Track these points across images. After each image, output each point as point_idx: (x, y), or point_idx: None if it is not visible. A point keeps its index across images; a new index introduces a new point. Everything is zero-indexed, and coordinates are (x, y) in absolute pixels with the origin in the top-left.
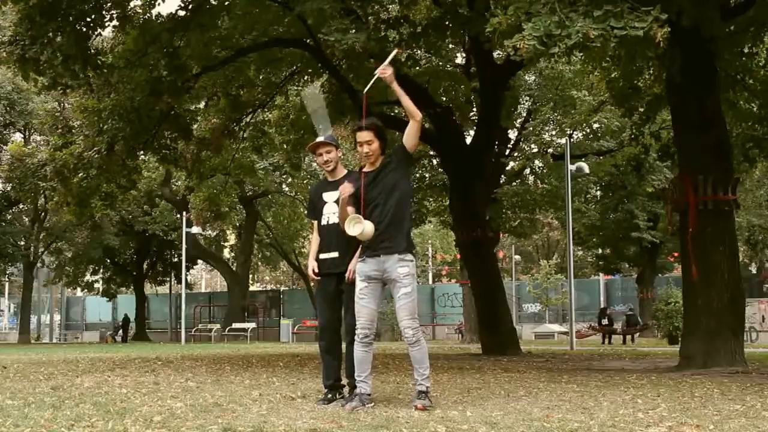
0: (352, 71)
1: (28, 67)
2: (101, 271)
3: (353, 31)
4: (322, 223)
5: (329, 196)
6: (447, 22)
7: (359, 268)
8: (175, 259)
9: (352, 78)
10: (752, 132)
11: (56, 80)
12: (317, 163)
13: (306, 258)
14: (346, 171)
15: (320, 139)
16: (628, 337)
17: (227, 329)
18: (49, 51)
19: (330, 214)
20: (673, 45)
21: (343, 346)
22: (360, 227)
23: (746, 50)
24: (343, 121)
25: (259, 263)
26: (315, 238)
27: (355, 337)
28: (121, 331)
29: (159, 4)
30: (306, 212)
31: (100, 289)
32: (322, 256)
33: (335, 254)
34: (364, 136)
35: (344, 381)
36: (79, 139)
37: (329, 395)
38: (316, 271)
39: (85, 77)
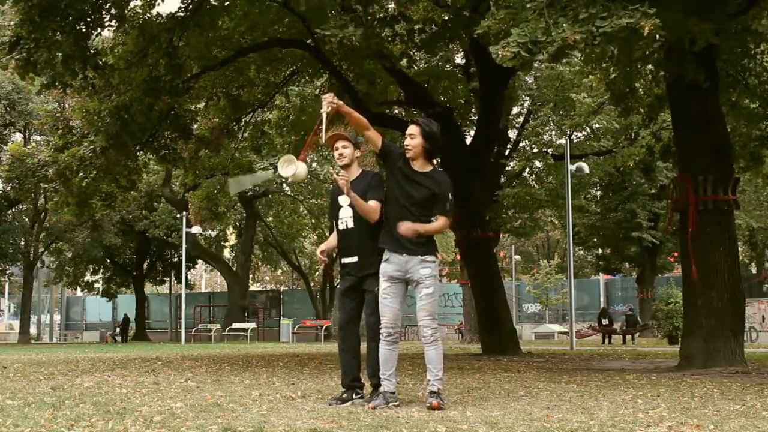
0: (353, 71)
1: (28, 68)
2: (101, 271)
3: (351, 27)
4: (339, 228)
5: (344, 200)
6: (449, 24)
7: (382, 268)
8: (175, 259)
9: (352, 78)
10: (756, 131)
11: (56, 79)
12: (335, 158)
13: (306, 257)
14: (360, 171)
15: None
16: (628, 337)
17: (227, 329)
18: (46, 50)
19: (347, 218)
20: (682, 50)
21: (363, 346)
22: (293, 168)
23: (746, 50)
24: (343, 121)
25: (259, 263)
26: (332, 237)
27: (380, 336)
28: (120, 331)
29: (158, 4)
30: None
31: (100, 289)
32: (344, 260)
33: (355, 259)
34: (410, 129)
35: (365, 381)
36: (80, 140)
37: (344, 395)
38: (324, 251)
39: (85, 77)
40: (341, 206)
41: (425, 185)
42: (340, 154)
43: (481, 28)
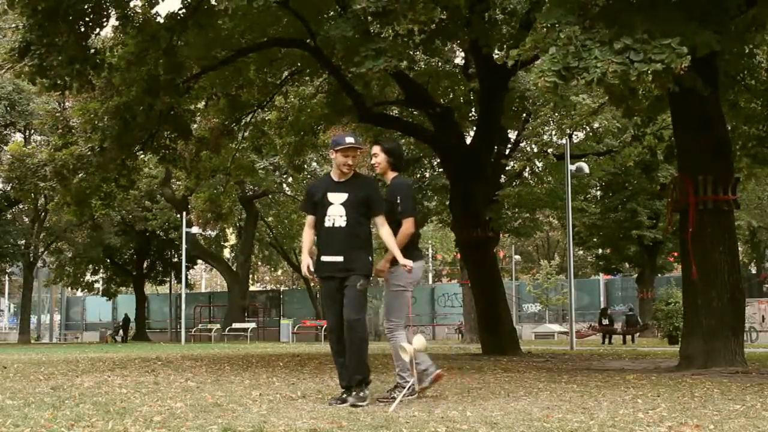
0: (352, 72)
1: (41, 74)
2: (101, 271)
3: (382, 57)
4: (326, 225)
5: (335, 197)
6: (446, 23)
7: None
8: (175, 259)
9: (350, 78)
10: (755, 130)
11: (57, 81)
12: (338, 163)
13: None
14: (352, 173)
15: (351, 140)
16: (628, 337)
17: (227, 329)
18: (57, 54)
19: (336, 216)
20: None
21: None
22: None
23: (747, 50)
24: (342, 121)
25: (259, 263)
26: (308, 233)
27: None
28: (121, 331)
29: (158, 4)
30: (301, 205)
31: (100, 289)
32: (326, 258)
33: (340, 258)
34: (373, 149)
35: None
36: (80, 140)
37: (344, 395)
38: (311, 268)
39: (87, 78)
40: (331, 203)
41: (385, 198)
42: (350, 165)
43: (511, 58)
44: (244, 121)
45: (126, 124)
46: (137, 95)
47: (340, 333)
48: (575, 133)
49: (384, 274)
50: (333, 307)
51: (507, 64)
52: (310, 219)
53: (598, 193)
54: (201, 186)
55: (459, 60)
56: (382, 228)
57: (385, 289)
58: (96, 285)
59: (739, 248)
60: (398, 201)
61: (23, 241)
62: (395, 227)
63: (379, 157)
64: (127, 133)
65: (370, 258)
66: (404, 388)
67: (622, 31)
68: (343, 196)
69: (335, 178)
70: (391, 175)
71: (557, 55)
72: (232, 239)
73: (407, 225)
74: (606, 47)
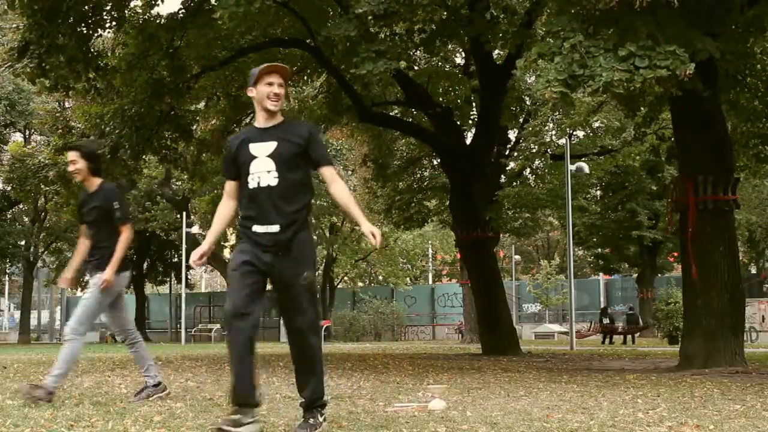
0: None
1: (41, 74)
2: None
3: (382, 59)
4: (250, 186)
5: (259, 149)
6: (447, 23)
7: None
8: (175, 259)
9: (349, 79)
10: (757, 129)
11: (59, 82)
12: (260, 97)
13: None
14: (282, 119)
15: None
16: (629, 337)
17: None
18: (57, 55)
19: (263, 173)
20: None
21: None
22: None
23: (747, 50)
24: (342, 121)
25: None
26: (223, 207)
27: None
28: None
29: (158, 5)
30: (222, 167)
31: None
32: (258, 228)
33: (275, 228)
34: (69, 155)
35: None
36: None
37: (238, 415)
38: (199, 255)
39: (88, 79)
40: (255, 157)
41: (95, 204)
42: (276, 94)
43: (519, 70)
44: (244, 121)
45: (138, 132)
46: (143, 98)
47: (251, 325)
48: (575, 133)
49: (112, 283)
50: (248, 286)
51: (506, 65)
52: (229, 186)
53: (598, 193)
54: (203, 188)
55: (459, 60)
56: (334, 184)
57: (95, 293)
58: None
59: (739, 248)
60: (115, 207)
61: (23, 241)
62: (114, 235)
63: (78, 163)
64: (137, 138)
65: (312, 233)
66: (155, 386)
67: (626, 36)
68: (271, 146)
69: (259, 125)
70: (95, 180)
71: (562, 63)
72: (232, 239)
73: (128, 231)
74: (610, 54)
